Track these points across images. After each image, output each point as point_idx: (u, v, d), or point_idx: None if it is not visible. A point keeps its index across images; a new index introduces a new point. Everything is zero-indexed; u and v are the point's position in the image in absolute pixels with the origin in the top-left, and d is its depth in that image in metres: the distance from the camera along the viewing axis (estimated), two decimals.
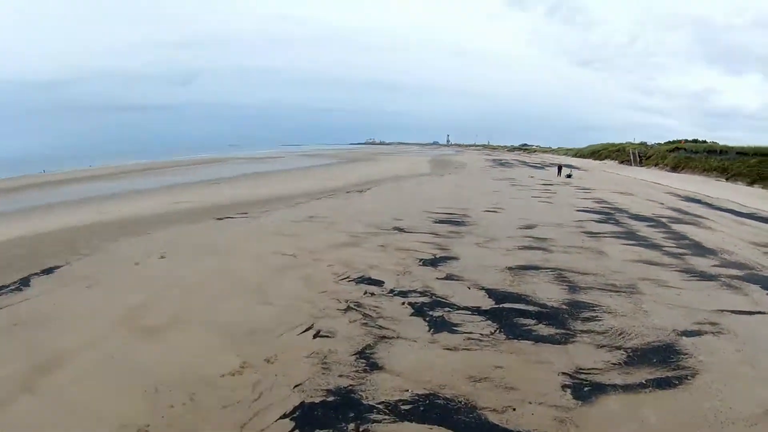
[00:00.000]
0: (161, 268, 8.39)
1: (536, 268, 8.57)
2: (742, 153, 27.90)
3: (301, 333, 5.71)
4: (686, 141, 40.27)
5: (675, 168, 34.12)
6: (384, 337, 5.61)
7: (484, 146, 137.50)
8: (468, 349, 5.32)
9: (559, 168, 33.62)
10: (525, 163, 51.24)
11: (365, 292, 7.15)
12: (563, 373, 4.79)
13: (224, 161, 54.43)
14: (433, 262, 8.86)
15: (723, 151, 30.39)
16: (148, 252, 9.43)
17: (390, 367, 4.89)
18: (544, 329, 5.88)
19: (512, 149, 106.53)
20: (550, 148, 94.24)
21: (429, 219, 13.47)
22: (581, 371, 4.84)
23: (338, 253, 9.46)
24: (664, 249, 10.36)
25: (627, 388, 4.54)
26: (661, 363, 5.03)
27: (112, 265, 8.55)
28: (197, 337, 5.60)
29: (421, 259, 9.05)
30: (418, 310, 6.45)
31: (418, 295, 7.07)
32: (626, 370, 4.88)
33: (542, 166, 44.63)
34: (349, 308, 6.49)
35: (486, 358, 5.12)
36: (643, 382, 4.64)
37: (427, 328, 5.89)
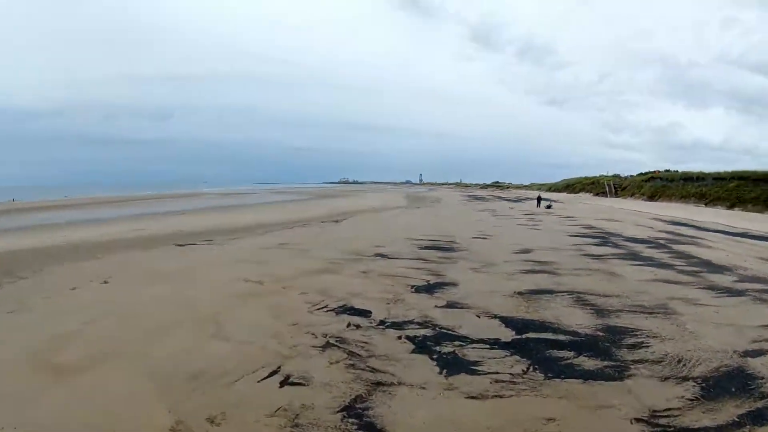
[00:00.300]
0: (101, 294, 7.18)
1: (550, 292, 7.33)
2: (719, 178, 28.21)
3: (263, 379, 4.16)
4: (660, 171, 40.96)
5: (652, 197, 34.37)
6: (380, 383, 4.08)
7: (457, 184, 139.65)
8: (500, 396, 3.85)
9: (539, 199, 33.70)
10: (501, 198, 51.28)
11: (348, 324, 5.69)
12: (637, 420, 3.44)
13: (196, 195, 53.27)
14: (428, 289, 7.52)
15: (700, 177, 30.73)
16: (91, 276, 8.36)
17: (394, 429, 3.37)
18: (588, 362, 4.52)
19: (485, 186, 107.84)
20: (522, 184, 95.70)
21: (414, 246, 12.23)
22: (657, 414, 3.53)
23: (313, 280, 8.01)
24: (676, 268, 9.48)
25: (722, 430, 3.32)
26: (742, 392, 3.92)
27: (46, 290, 7.46)
28: (121, 381, 4.08)
29: (412, 286, 7.70)
30: (421, 346, 4.99)
31: (417, 326, 5.64)
32: (708, 406, 3.68)
33: (519, 200, 44.56)
34: (328, 344, 5.00)
35: (528, 407, 3.67)
36: (736, 419, 3.49)
37: (438, 368, 4.41)
